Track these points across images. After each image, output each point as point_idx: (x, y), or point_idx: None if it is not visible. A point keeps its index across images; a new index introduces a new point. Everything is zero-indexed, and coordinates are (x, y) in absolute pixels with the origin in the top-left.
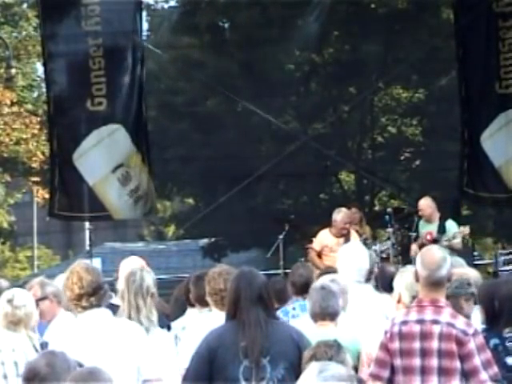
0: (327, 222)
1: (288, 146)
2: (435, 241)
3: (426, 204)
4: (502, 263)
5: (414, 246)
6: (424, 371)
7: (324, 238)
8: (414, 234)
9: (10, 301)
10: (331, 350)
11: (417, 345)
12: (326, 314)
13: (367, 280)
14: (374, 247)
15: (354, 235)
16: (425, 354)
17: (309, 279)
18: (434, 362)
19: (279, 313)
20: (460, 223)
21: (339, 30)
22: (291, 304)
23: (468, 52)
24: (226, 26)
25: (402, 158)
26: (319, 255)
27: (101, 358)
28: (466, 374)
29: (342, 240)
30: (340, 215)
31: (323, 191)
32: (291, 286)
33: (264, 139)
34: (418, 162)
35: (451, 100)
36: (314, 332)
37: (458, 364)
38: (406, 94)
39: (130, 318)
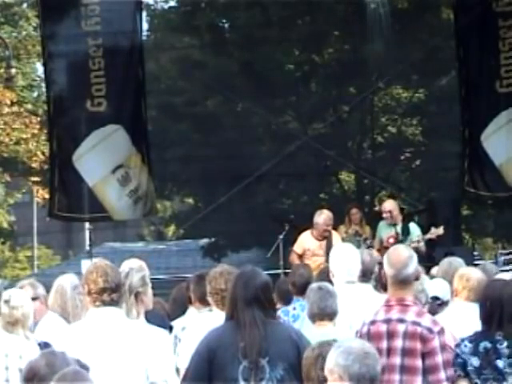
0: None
1: (288, 146)
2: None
3: (392, 206)
4: (502, 263)
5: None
6: (387, 369)
7: (305, 241)
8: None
9: (6, 301)
10: None
11: (384, 344)
12: (324, 314)
13: (367, 280)
14: (373, 247)
15: (335, 236)
16: (389, 352)
17: (309, 279)
18: (396, 360)
19: (279, 313)
20: (459, 223)
21: (339, 30)
22: (292, 304)
23: (468, 52)
24: (226, 26)
25: (402, 157)
26: (300, 258)
27: (110, 357)
28: (426, 371)
29: (324, 243)
30: (322, 217)
31: (323, 191)
32: (291, 286)
33: (264, 139)
34: (418, 162)
35: (451, 100)
36: (313, 332)
37: (420, 363)
38: (406, 94)
39: None
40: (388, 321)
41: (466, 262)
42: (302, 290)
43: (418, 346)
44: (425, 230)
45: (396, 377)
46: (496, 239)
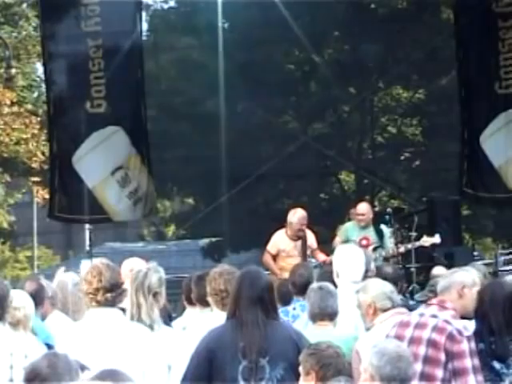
0: (327, 222)
1: (288, 146)
2: (374, 246)
3: (367, 209)
4: (502, 263)
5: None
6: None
7: (280, 242)
8: (414, 234)
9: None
10: (334, 349)
11: (409, 333)
12: (324, 314)
13: (363, 279)
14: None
15: (310, 236)
16: (413, 341)
17: (309, 279)
18: (420, 350)
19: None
20: (459, 223)
21: (339, 30)
22: (292, 304)
23: (468, 52)
24: (226, 26)
25: (402, 157)
26: (274, 259)
27: (107, 359)
28: (455, 374)
29: (299, 243)
30: (296, 216)
31: (323, 191)
32: (291, 286)
33: (264, 139)
34: (418, 162)
35: (451, 100)
36: (314, 332)
37: (442, 356)
38: (406, 94)
39: (131, 315)
40: (422, 314)
41: (465, 263)
42: (302, 290)
43: (443, 340)
44: (418, 231)
45: (418, 366)
46: (496, 239)
